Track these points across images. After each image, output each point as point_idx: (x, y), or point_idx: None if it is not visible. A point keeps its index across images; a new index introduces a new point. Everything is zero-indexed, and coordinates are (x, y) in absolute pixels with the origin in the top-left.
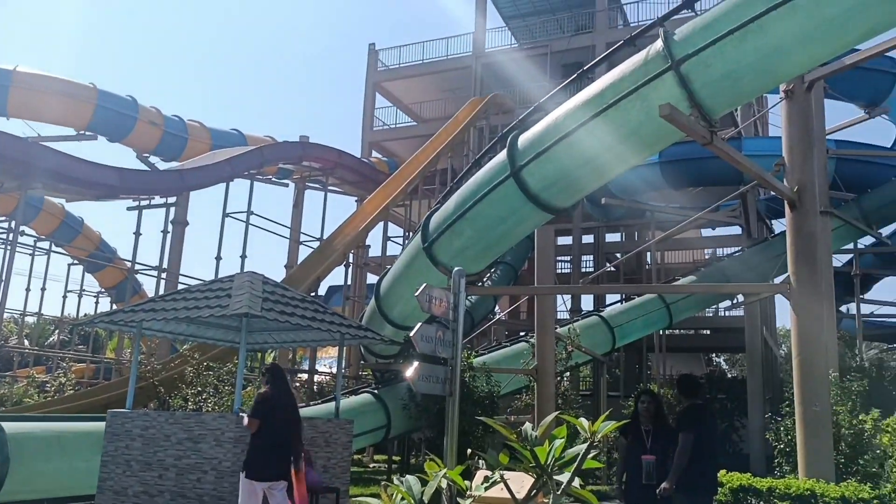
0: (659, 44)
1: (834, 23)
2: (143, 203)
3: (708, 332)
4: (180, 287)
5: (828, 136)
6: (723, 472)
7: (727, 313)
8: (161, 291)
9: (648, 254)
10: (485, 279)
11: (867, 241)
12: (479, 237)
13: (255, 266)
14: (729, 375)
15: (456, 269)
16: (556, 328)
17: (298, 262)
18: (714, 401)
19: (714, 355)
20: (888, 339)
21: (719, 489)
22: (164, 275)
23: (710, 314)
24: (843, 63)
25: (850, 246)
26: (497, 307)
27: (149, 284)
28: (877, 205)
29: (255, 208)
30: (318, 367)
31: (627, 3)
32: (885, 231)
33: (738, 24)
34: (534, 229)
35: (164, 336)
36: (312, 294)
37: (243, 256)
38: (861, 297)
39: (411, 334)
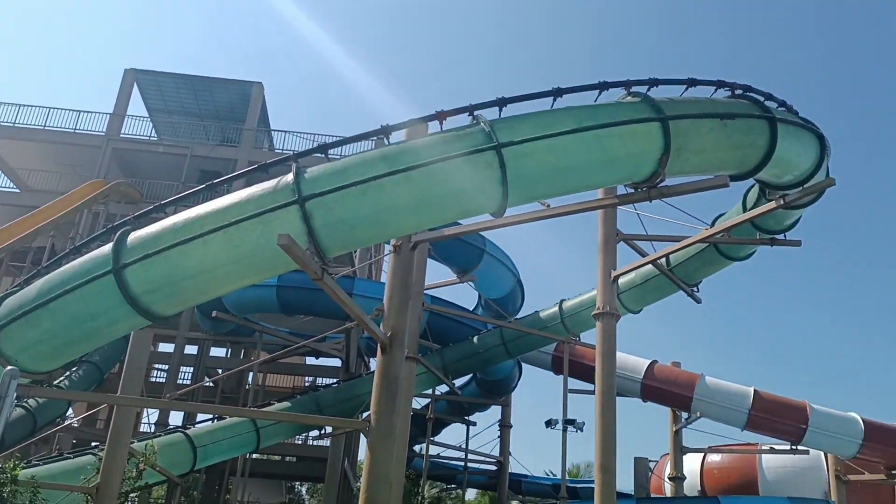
0: (290, 177)
1: (436, 200)
2: None
3: (294, 459)
4: None
5: (426, 291)
6: None
7: (316, 443)
8: None
9: (251, 374)
10: (61, 378)
11: (444, 388)
12: (60, 332)
13: None
14: None
15: (8, 368)
16: (133, 442)
17: None
18: None
19: (297, 483)
20: (448, 480)
21: None
22: None
23: (300, 441)
24: (442, 233)
25: (430, 391)
26: (72, 410)
27: None
28: (455, 358)
29: None
30: None
31: (276, 130)
32: (459, 382)
33: (363, 178)
34: (129, 332)
35: None
36: None
37: None
38: (432, 439)
39: None
